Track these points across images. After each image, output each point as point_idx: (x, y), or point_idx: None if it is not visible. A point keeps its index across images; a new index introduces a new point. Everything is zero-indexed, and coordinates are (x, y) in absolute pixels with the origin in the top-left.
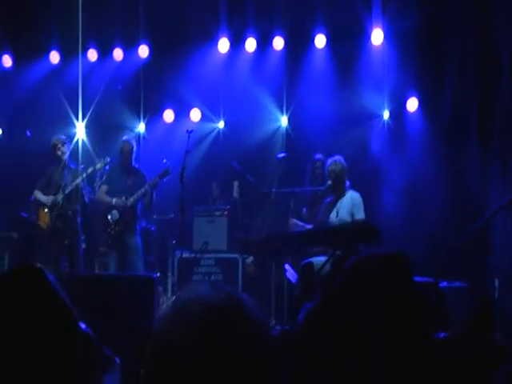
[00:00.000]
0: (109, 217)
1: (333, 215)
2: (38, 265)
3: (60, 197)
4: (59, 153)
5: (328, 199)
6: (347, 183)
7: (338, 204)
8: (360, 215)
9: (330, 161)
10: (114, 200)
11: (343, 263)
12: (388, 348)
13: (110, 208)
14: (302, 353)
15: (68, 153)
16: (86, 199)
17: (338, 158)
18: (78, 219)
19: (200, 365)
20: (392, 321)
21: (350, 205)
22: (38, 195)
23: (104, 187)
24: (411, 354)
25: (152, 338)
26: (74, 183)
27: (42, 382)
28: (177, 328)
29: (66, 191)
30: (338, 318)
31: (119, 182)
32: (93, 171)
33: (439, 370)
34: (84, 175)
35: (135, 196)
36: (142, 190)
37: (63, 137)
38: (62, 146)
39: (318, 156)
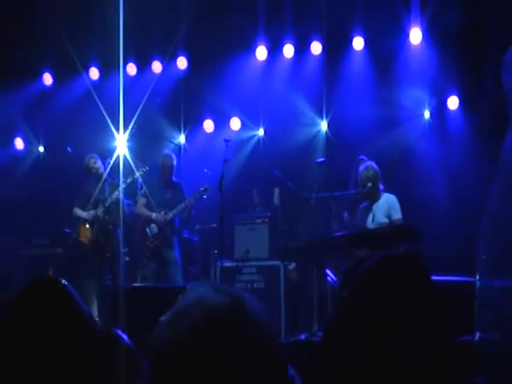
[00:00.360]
0: (147, 230)
1: (369, 219)
2: (55, 277)
3: (100, 211)
4: (94, 170)
5: (363, 204)
6: (381, 187)
7: (374, 208)
8: (397, 216)
9: (361, 167)
10: (154, 215)
11: (353, 272)
12: (403, 351)
13: (149, 222)
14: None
15: (103, 167)
16: (126, 211)
17: (369, 163)
18: (119, 232)
19: (204, 368)
20: (405, 322)
21: (385, 207)
22: (78, 212)
23: (143, 200)
24: (427, 356)
25: (154, 342)
26: (114, 196)
27: None
28: (180, 332)
29: (106, 204)
30: (351, 326)
31: (159, 195)
32: (132, 181)
33: (465, 371)
34: (123, 186)
35: (174, 211)
36: (182, 205)
37: (94, 155)
38: (95, 163)
39: (362, 157)
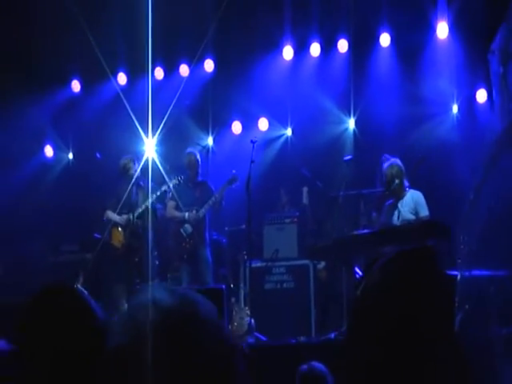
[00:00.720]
0: (182, 231)
1: (395, 217)
2: (68, 283)
3: (134, 215)
4: (130, 172)
5: (389, 201)
6: (406, 184)
7: (399, 205)
8: (424, 212)
9: (386, 164)
10: (187, 214)
11: (370, 270)
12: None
13: (182, 222)
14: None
15: (138, 171)
16: (158, 215)
17: (393, 160)
18: (150, 235)
19: (155, 368)
20: (420, 318)
21: (411, 204)
22: (111, 215)
23: (172, 203)
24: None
25: (109, 342)
26: (148, 201)
27: None
28: (129, 333)
29: (140, 209)
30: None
31: (187, 195)
32: (167, 189)
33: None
34: (158, 193)
35: (206, 206)
36: (213, 199)
37: (131, 157)
38: (133, 165)
39: (385, 156)
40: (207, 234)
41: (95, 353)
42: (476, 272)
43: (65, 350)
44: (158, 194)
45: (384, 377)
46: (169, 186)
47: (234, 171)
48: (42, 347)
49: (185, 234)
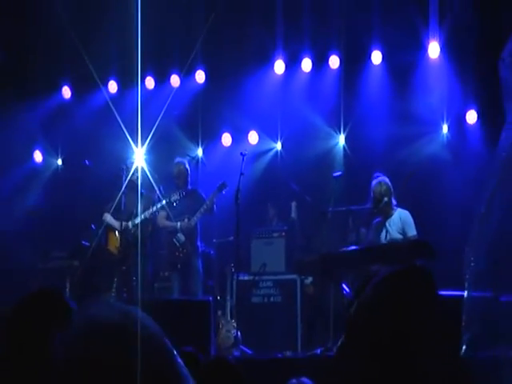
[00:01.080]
0: (175, 240)
1: (382, 236)
2: (52, 289)
3: (132, 224)
4: (134, 178)
5: (376, 220)
6: (394, 202)
7: (387, 224)
8: (412, 232)
9: (374, 182)
10: (179, 224)
11: (363, 288)
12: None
13: (174, 232)
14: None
15: (138, 178)
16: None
17: (382, 178)
18: (148, 246)
19: (91, 380)
20: (413, 336)
21: (399, 224)
22: (109, 219)
23: (163, 213)
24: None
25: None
26: (148, 212)
27: None
28: (72, 347)
29: (139, 219)
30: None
31: (178, 205)
32: (167, 203)
33: None
34: (159, 206)
35: (198, 214)
36: (204, 206)
37: (131, 162)
38: (137, 172)
39: (378, 174)
40: (199, 243)
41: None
42: (483, 293)
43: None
44: (159, 206)
45: None
46: (169, 200)
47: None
48: (25, 353)
49: (178, 244)
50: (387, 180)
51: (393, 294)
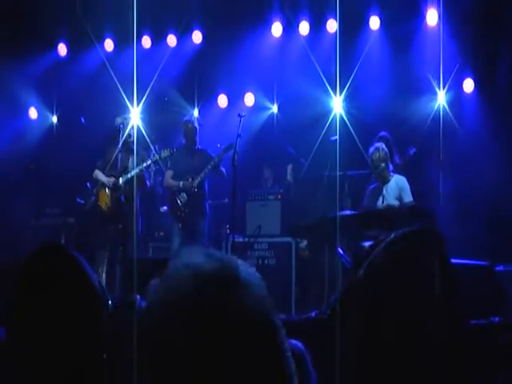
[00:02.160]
0: (177, 200)
1: (379, 202)
2: (62, 244)
3: (122, 180)
4: (125, 134)
5: (372, 185)
6: (390, 168)
7: (384, 191)
8: (408, 198)
9: (371, 149)
10: (181, 183)
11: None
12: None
13: (178, 191)
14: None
15: (133, 135)
16: (148, 184)
17: (379, 144)
18: (138, 203)
19: (194, 335)
20: (418, 302)
21: (396, 190)
22: (99, 175)
23: (169, 172)
24: (440, 340)
25: (145, 309)
26: (139, 168)
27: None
28: (170, 298)
29: (129, 175)
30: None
31: (184, 164)
32: (157, 160)
33: (476, 356)
34: (149, 162)
35: (202, 174)
36: (208, 167)
37: (128, 117)
38: (127, 126)
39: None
40: (206, 205)
41: (92, 319)
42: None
43: (59, 309)
44: (149, 163)
45: (379, 357)
46: (159, 157)
47: (219, 145)
48: (35, 307)
49: (180, 203)
50: (384, 146)
51: (404, 255)
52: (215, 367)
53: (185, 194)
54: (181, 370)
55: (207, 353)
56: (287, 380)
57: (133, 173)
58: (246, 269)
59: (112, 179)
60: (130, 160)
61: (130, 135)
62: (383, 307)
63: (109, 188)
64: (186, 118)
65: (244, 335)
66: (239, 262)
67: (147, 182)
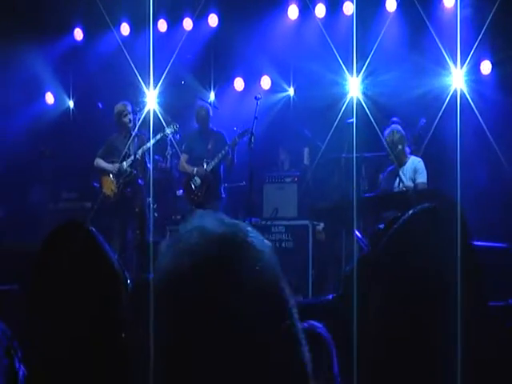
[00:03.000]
0: (191, 184)
1: (396, 183)
2: (81, 223)
3: (127, 164)
4: (125, 120)
5: (390, 167)
6: (407, 150)
7: (400, 172)
8: (421, 179)
9: (387, 130)
10: (195, 169)
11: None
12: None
13: (192, 176)
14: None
15: (134, 120)
16: (150, 166)
17: (394, 126)
18: (150, 187)
19: (204, 297)
20: (439, 278)
21: (411, 171)
22: (100, 163)
23: (184, 156)
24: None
25: (155, 271)
26: (141, 150)
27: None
28: (178, 257)
29: (133, 158)
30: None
31: (199, 148)
32: (162, 137)
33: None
34: (152, 141)
35: (216, 159)
36: (222, 152)
37: (128, 103)
38: (129, 113)
39: (394, 119)
40: (221, 188)
41: (113, 297)
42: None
43: (80, 287)
44: (153, 141)
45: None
46: (164, 134)
47: (235, 128)
48: (56, 287)
49: (193, 188)
50: (400, 128)
51: (425, 229)
52: (225, 329)
53: (198, 179)
54: (192, 330)
55: (217, 315)
56: (296, 347)
57: (137, 156)
58: (257, 235)
59: (117, 165)
60: (137, 143)
61: (129, 120)
62: (404, 280)
63: (113, 174)
64: (199, 103)
65: (254, 297)
66: (249, 228)
67: (148, 165)
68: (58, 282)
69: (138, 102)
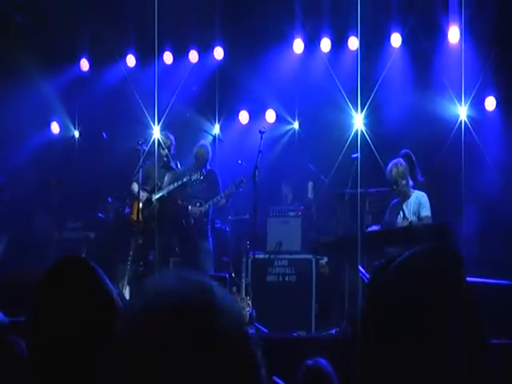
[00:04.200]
0: (183, 221)
1: (399, 217)
2: (83, 257)
3: (155, 197)
4: (165, 151)
5: (394, 201)
6: (411, 183)
7: (404, 206)
8: (426, 213)
9: (390, 164)
10: (190, 208)
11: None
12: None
13: (185, 214)
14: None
15: (170, 153)
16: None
17: (397, 160)
18: (165, 221)
19: (165, 359)
20: (439, 320)
21: (415, 205)
22: (135, 188)
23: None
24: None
25: (117, 333)
26: (171, 187)
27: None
28: (144, 321)
29: (162, 193)
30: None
31: (194, 186)
32: (187, 181)
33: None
34: (179, 182)
35: (210, 203)
36: (218, 197)
37: (170, 135)
38: (171, 144)
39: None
40: (209, 227)
41: (106, 329)
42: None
43: (79, 321)
44: (180, 183)
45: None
46: (190, 179)
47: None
48: (54, 319)
49: (185, 225)
50: (403, 162)
51: (418, 273)
52: None
53: (191, 219)
54: None
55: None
56: None
57: (165, 191)
58: (220, 289)
59: (145, 194)
60: (166, 177)
61: (169, 151)
62: (397, 324)
63: (142, 202)
64: (201, 143)
65: (220, 361)
66: (216, 285)
67: (178, 201)
68: (56, 316)
69: (142, 135)
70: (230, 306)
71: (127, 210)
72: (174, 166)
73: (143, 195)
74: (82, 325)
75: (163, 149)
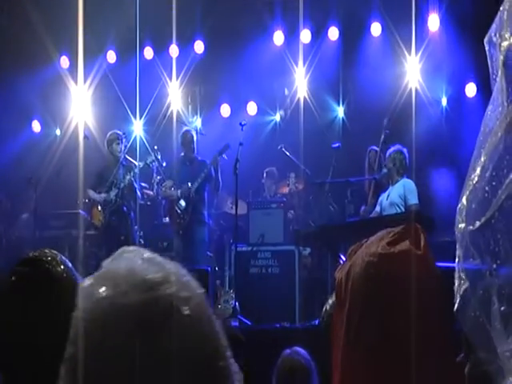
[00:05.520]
0: (176, 208)
1: (384, 198)
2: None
3: (113, 194)
4: (116, 148)
5: (383, 192)
6: (401, 172)
7: (390, 188)
8: (414, 201)
9: (393, 148)
10: (179, 191)
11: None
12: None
13: (176, 200)
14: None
15: (123, 150)
16: (139, 194)
17: (400, 147)
18: (132, 215)
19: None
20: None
21: (401, 189)
22: (91, 194)
23: (169, 182)
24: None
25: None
26: (127, 179)
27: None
28: (103, 299)
29: (119, 187)
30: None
31: (183, 173)
32: (144, 165)
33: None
34: (136, 170)
35: (199, 179)
36: (205, 170)
37: (120, 133)
38: (120, 142)
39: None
40: (205, 213)
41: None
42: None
43: (45, 318)
44: (136, 170)
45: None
46: (145, 163)
47: (224, 156)
48: (19, 316)
49: (179, 211)
50: (406, 152)
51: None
52: None
53: (183, 202)
54: None
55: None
56: None
57: (122, 184)
58: (183, 273)
59: (103, 195)
60: (121, 173)
61: (120, 149)
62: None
63: (101, 204)
64: (185, 129)
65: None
66: (176, 266)
67: (138, 192)
68: (21, 310)
69: (124, 130)
70: (195, 301)
71: (85, 214)
72: (126, 163)
73: (101, 196)
74: (44, 327)
75: (117, 144)
